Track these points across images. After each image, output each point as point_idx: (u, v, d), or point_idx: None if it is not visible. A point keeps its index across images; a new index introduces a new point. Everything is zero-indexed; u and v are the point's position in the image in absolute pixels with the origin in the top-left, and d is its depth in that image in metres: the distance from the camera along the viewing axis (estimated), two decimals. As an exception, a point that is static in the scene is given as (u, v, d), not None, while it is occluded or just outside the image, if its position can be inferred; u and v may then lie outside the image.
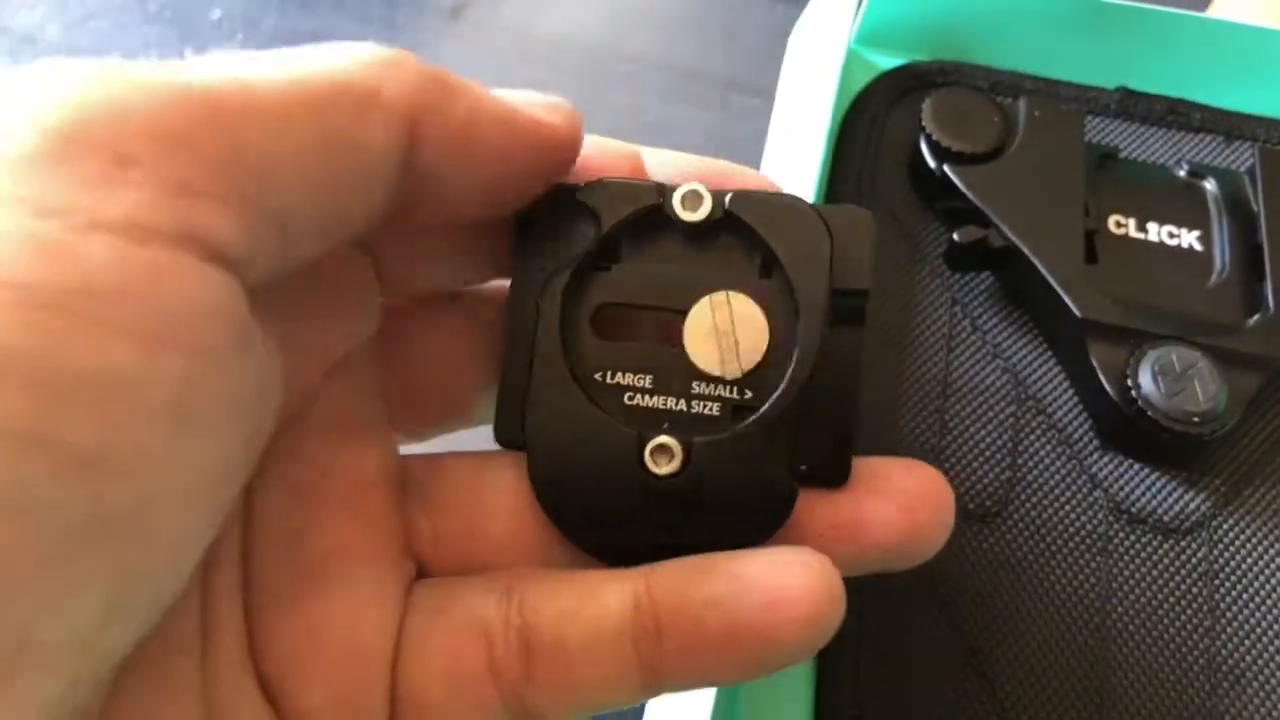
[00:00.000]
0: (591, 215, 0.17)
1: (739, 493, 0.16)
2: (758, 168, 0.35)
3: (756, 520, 0.16)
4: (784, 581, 0.15)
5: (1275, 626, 0.23)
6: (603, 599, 0.16)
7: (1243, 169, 0.29)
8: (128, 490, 0.11)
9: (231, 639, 0.15)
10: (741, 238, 0.17)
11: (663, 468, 0.16)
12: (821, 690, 0.22)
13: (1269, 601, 0.23)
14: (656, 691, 0.16)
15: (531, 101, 0.16)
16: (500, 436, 0.17)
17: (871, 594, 0.23)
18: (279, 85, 0.13)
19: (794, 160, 0.28)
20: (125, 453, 0.11)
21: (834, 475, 0.17)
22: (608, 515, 0.17)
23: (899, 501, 0.17)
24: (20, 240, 0.10)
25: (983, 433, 0.25)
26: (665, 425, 0.17)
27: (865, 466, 0.17)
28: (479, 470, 0.18)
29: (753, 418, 0.17)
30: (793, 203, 0.17)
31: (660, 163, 0.19)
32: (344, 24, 0.49)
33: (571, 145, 0.17)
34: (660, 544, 0.16)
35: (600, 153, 0.18)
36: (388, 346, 0.18)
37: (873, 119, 0.30)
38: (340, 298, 0.17)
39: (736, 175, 0.19)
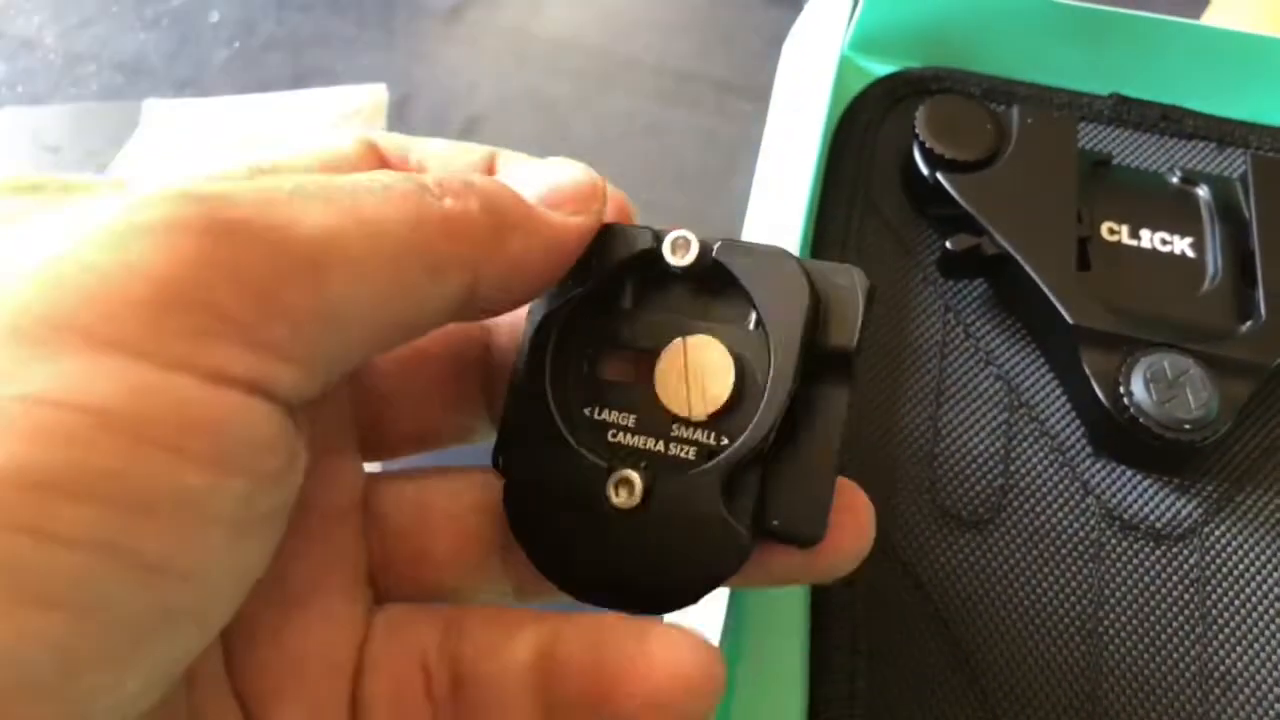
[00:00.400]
0: (595, 259, 0.18)
1: (693, 536, 0.16)
2: (752, 172, 0.35)
3: (707, 565, 0.16)
4: (669, 658, 0.15)
5: (1266, 633, 0.23)
6: (516, 640, 0.16)
7: (1235, 176, 0.29)
8: (189, 592, 0.13)
9: (213, 662, 0.16)
10: (739, 285, 0.18)
11: (622, 500, 0.16)
12: (815, 698, 0.22)
13: (1260, 608, 0.23)
14: None
15: (566, 186, 0.17)
16: (495, 461, 0.18)
17: (865, 601, 0.23)
18: (363, 240, 0.14)
19: (788, 167, 0.28)
20: (189, 560, 0.12)
21: (806, 534, 0.17)
22: (571, 545, 0.17)
23: None
24: (114, 375, 0.12)
25: (975, 439, 0.25)
26: (643, 465, 0.17)
27: None
28: (423, 490, 0.19)
29: (711, 463, 0.17)
30: (779, 254, 0.17)
31: (435, 153, 0.19)
32: (342, 26, 0.49)
33: (596, 228, 0.18)
34: (616, 577, 0.17)
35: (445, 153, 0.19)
36: (358, 373, 0.19)
37: (866, 126, 0.30)
38: None
39: (511, 160, 0.19)
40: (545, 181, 0.17)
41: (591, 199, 0.17)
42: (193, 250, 0.12)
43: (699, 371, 0.17)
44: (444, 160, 0.19)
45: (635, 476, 0.16)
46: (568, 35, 0.50)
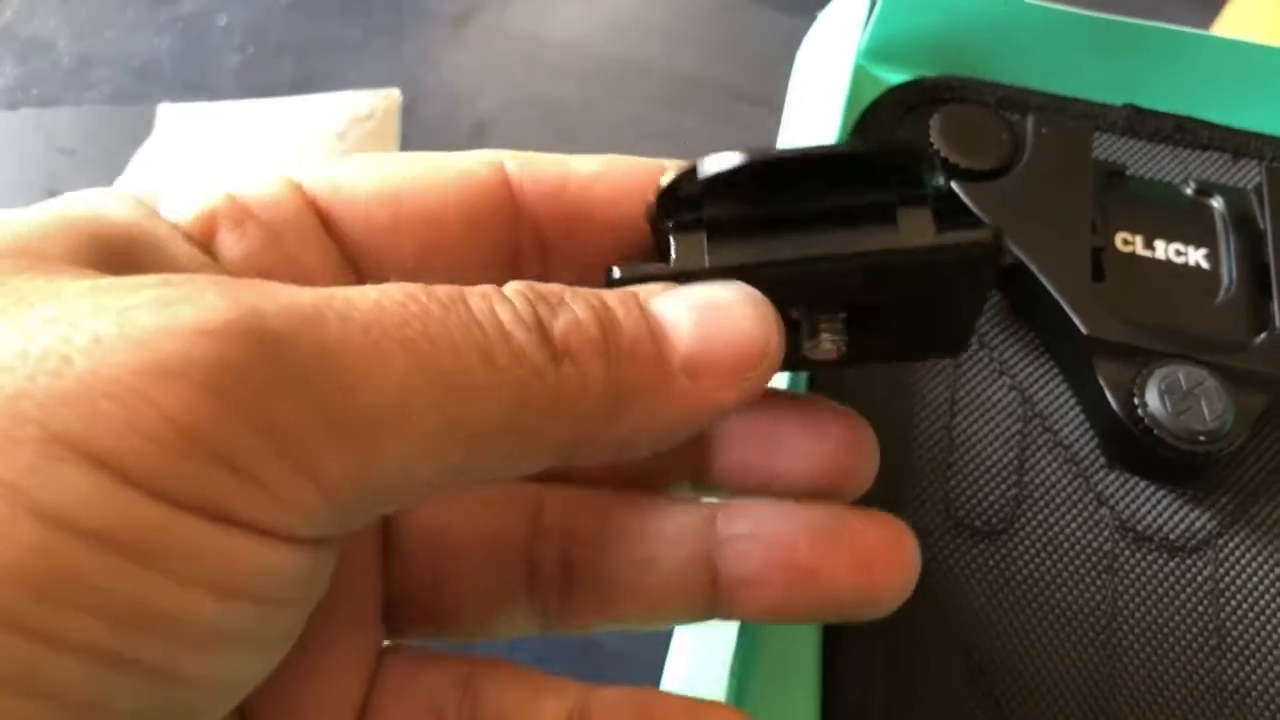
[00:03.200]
0: None
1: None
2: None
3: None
4: None
5: (1281, 646, 0.23)
6: (544, 702, 0.16)
7: (1250, 187, 0.29)
8: (196, 693, 0.12)
9: None
10: None
11: None
12: (829, 709, 0.22)
13: (1275, 620, 0.23)
14: None
15: (729, 344, 0.15)
16: None
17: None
18: (442, 419, 0.12)
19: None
20: (196, 671, 0.12)
21: (957, 340, 0.19)
22: None
23: (856, 558, 0.17)
24: (119, 503, 0.11)
25: (989, 450, 0.25)
26: None
27: (831, 514, 0.17)
28: (442, 513, 0.18)
29: None
30: None
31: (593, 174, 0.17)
32: (350, 31, 0.49)
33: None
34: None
35: (626, 175, 0.17)
36: None
37: (880, 134, 0.30)
38: None
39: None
40: (706, 328, 0.14)
41: (754, 366, 0.14)
42: (225, 400, 0.11)
43: None
44: (610, 190, 0.17)
45: None
46: (576, 41, 0.50)
